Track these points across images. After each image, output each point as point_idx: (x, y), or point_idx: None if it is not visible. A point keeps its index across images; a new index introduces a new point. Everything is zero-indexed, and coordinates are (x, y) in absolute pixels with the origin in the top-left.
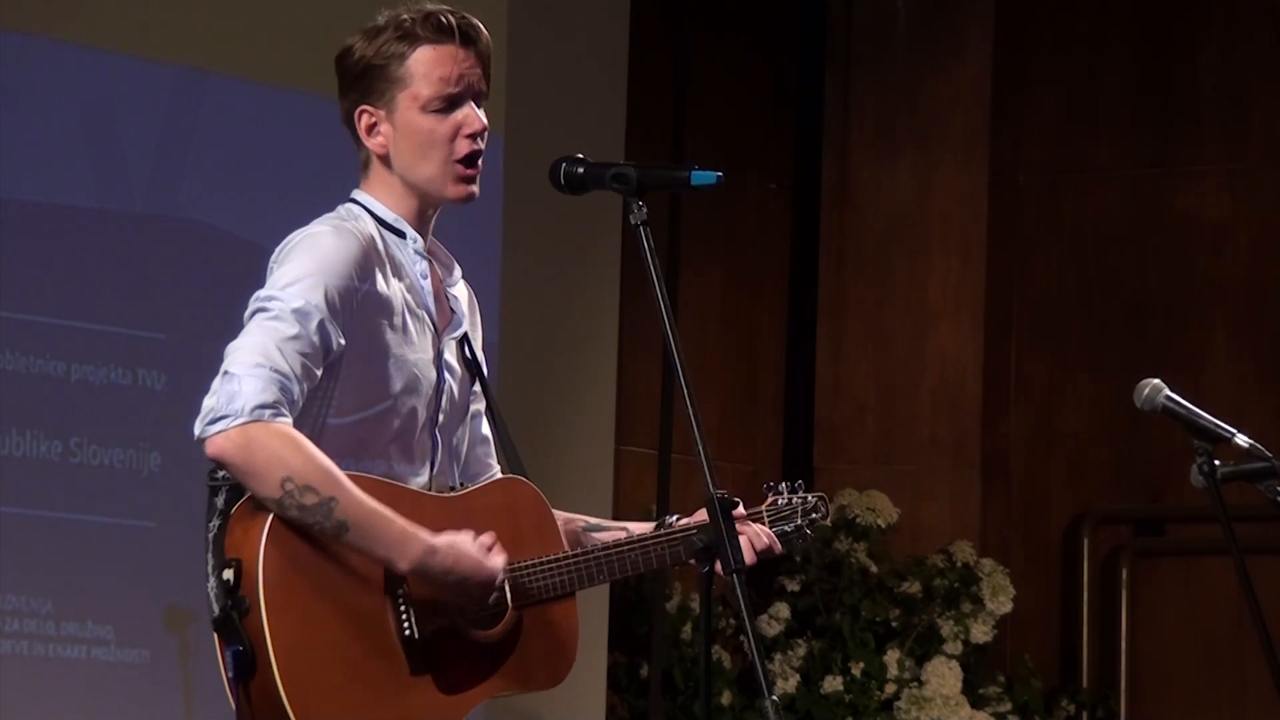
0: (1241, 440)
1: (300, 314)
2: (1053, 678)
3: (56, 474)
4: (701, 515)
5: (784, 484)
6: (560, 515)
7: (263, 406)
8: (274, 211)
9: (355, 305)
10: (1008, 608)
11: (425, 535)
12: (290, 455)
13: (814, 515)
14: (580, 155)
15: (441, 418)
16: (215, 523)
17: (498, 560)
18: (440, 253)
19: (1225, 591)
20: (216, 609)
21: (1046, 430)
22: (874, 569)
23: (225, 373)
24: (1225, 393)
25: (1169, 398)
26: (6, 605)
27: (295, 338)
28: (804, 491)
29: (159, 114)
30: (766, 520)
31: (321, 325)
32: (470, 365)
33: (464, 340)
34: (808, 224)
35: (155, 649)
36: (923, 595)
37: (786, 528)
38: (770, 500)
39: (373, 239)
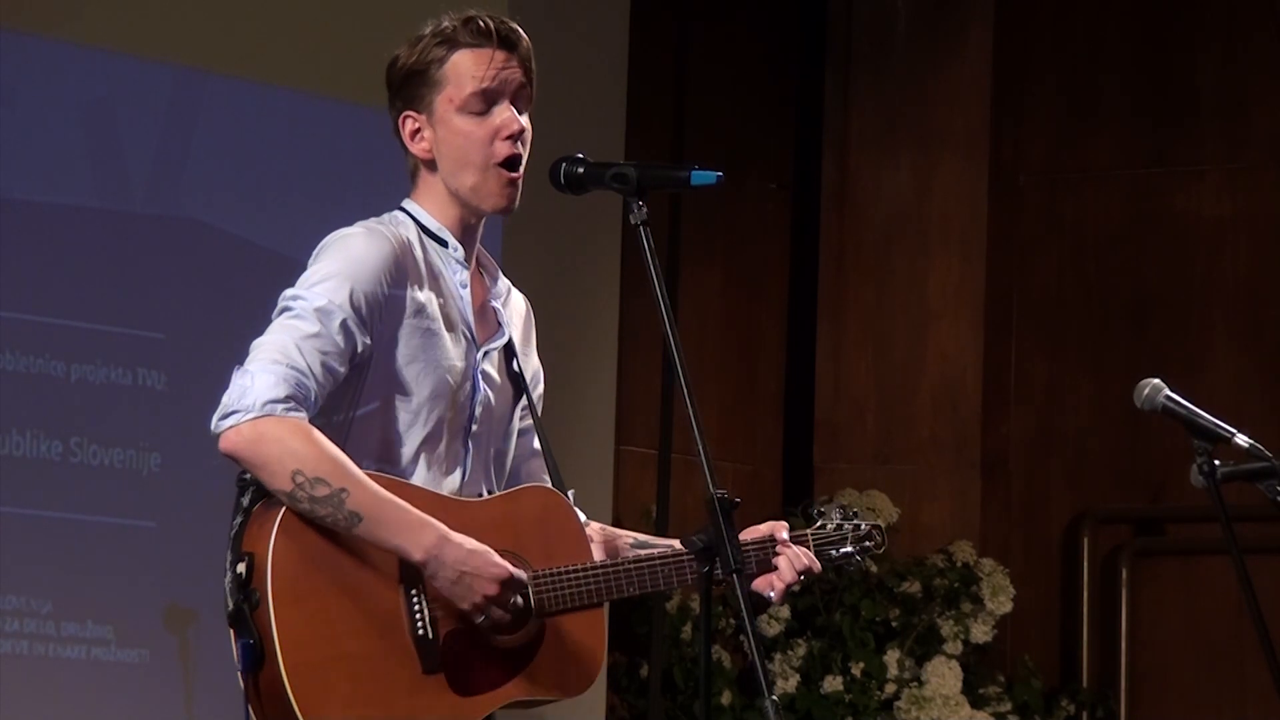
0: (1241, 440)
1: (322, 313)
2: (1053, 678)
3: (56, 474)
4: (753, 533)
5: (837, 510)
6: (608, 530)
7: (274, 401)
8: (274, 211)
9: (383, 307)
10: (1008, 608)
11: (441, 525)
12: (301, 448)
13: (867, 543)
14: (580, 155)
15: (475, 427)
16: (238, 520)
17: (519, 571)
18: (488, 264)
19: (1225, 591)
20: (230, 603)
21: (1046, 430)
22: (874, 569)
23: (241, 369)
24: (1225, 393)
25: (1169, 398)
26: (6, 605)
27: (315, 336)
28: (858, 519)
29: (159, 114)
30: (811, 543)
31: (344, 324)
32: (515, 378)
33: (508, 353)
34: (808, 224)
35: (155, 649)
36: (923, 595)
37: (832, 552)
38: (818, 524)
39: (407, 244)
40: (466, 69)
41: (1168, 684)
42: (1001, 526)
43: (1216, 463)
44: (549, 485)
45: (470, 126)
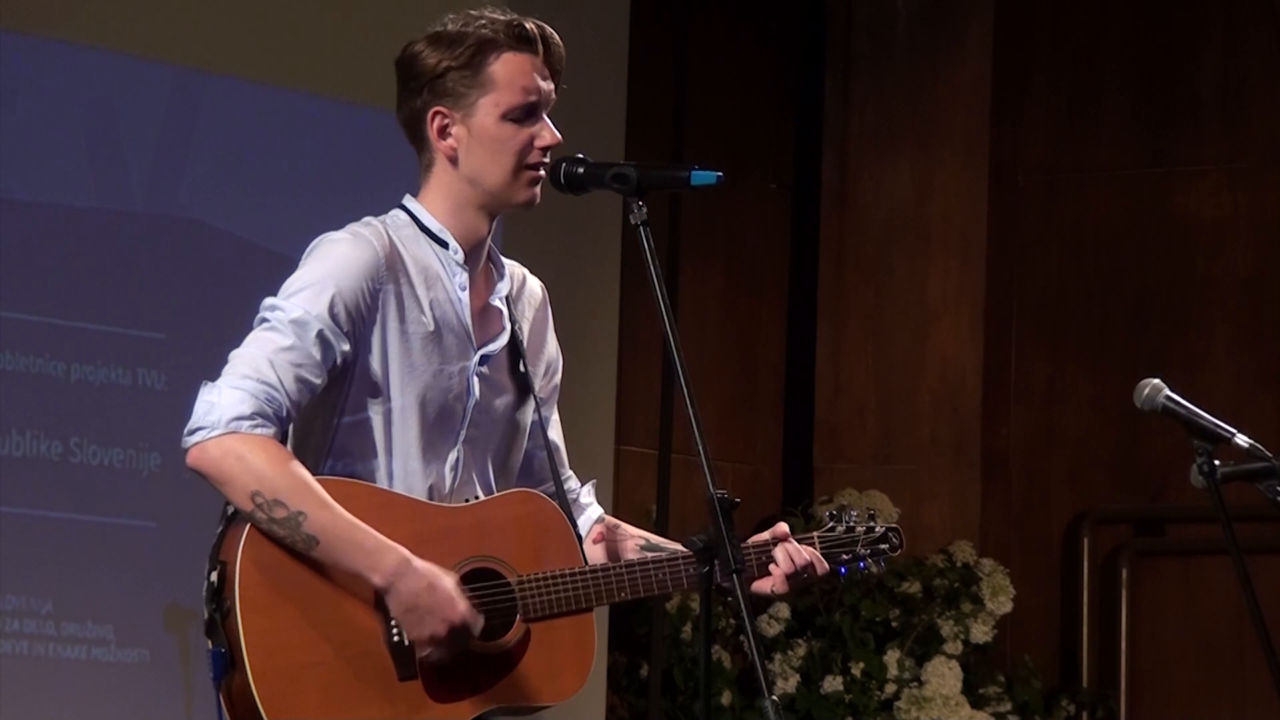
0: (1241, 440)
1: (298, 324)
2: (1053, 678)
3: (56, 474)
4: (755, 539)
5: (854, 512)
6: (621, 529)
7: (239, 418)
8: (274, 211)
9: (365, 313)
10: (1008, 608)
11: (404, 551)
12: (262, 467)
13: (882, 546)
14: (580, 155)
15: (468, 430)
16: (220, 528)
17: (478, 622)
18: (497, 261)
19: (1225, 591)
20: (204, 612)
21: (1046, 430)
22: (874, 570)
23: (210, 385)
24: (1225, 393)
25: (1169, 398)
26: (6, 605)
27: (289, 349)
28: (874, 522)
29: (159, 114)
30: (818, 545)
31: (320, 335)
32: (521, 378)
33: (514, 352)
34: (808, 224)
35: (155, 649)
36: (923, 595)
37: (843, 555)
38: (828, 526)
39: (396, 247)
40: (513, 75)
41: (1168, 684)
42: (1001, 526)
43: (1216, 463)
44: (536, 490)
45: (507, 133)
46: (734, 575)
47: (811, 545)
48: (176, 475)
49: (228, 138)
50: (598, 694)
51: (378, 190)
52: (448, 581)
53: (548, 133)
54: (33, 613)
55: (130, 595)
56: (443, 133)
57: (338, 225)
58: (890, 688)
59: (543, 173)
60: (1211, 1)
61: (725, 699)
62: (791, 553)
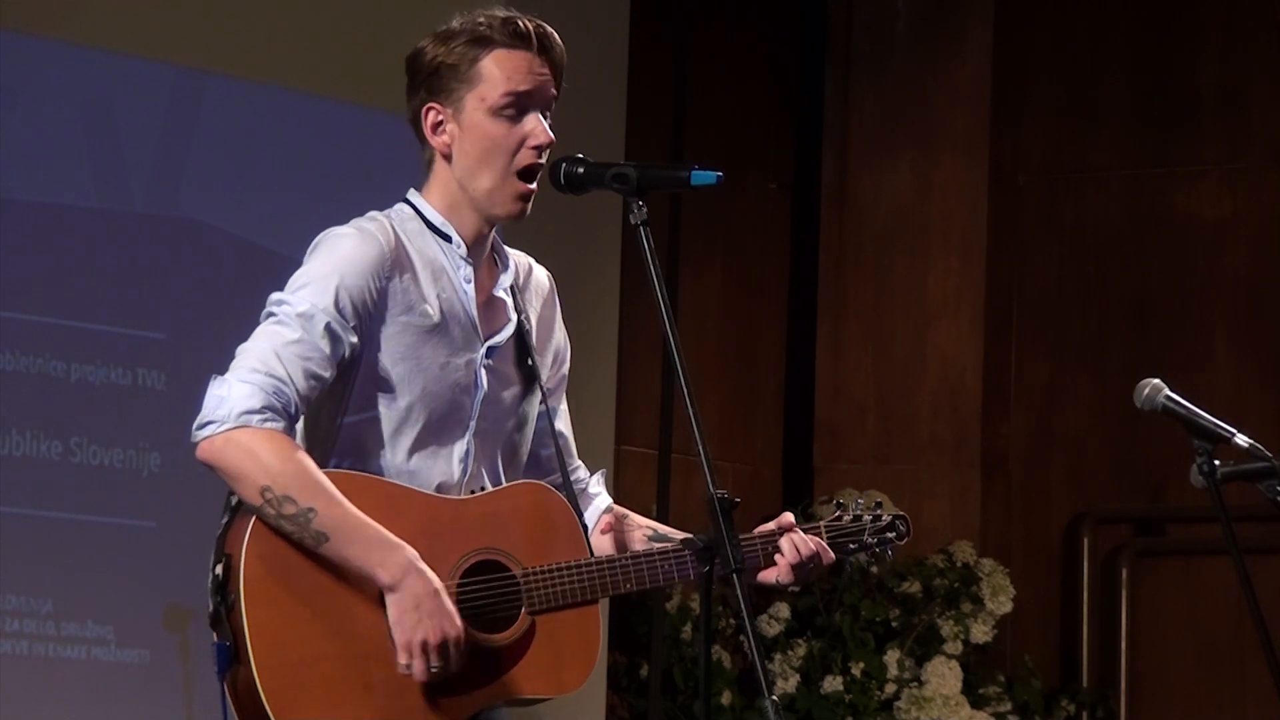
0: (1241, 440)
1: (305, 318)
2: (1053, 678)
3: (56, 474)
4: (762, 529)
5: (859, 501)
6: (629, 519)
7: (249, 412)
8: (274, 211)
9: (371, 307)
10: (1008, 608)
11: (412, 551)
12: (272, 462)
13: (889, 535)
14: (580, 155)
15: (478, 423)
16: (224, 519)
17: (460, 634)
18: (500, 252)
19: (1225, 591)
20: (210, 604)
21: (1046, 430)
22: (874, 568)
23: (219, 379)
24: (1225, 393)
25: (1169, 398)
26: (6, 605)
27: (297, 342)
28: (880, 510)
29: (159, 114)
30: (824, 535)
31: (328, 328)
32: (528, 369)
33: (520, 345)
34: (808, 224)
35: (155, 649)
36: (922, 595)
37: (850, 545)
38: (834, 516)
39: (401, 241)
40: (502, 70)
41: (1168, 684)
42: (1001, 526)
43: (1216, 463)
44: (542, 482)
45: (498, 130)
46: (734, 576)
47: (818, 535)
48: (176, 475)
49: (228, 138)
50: (598, 694)
51: (378, 190)
52: (445, 595)
53: (541, 131)
54: (33, 613)
55: (130, 595)
56: (436, 129)
57: (338, 224)
58: (890, 688)
59: (532, 185)
60: (1211, 1)
61: (725, 699)
62: (797, 542)
